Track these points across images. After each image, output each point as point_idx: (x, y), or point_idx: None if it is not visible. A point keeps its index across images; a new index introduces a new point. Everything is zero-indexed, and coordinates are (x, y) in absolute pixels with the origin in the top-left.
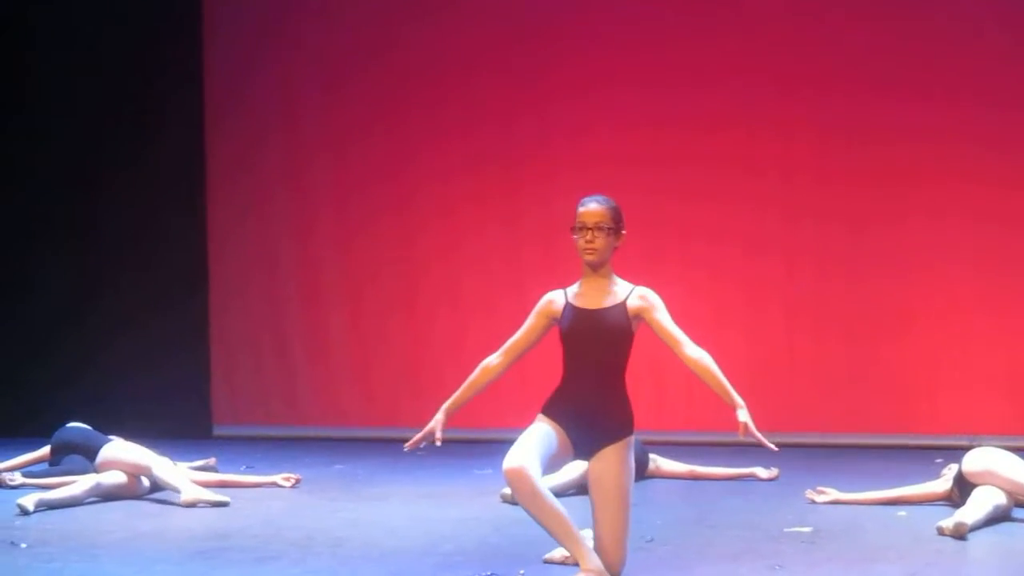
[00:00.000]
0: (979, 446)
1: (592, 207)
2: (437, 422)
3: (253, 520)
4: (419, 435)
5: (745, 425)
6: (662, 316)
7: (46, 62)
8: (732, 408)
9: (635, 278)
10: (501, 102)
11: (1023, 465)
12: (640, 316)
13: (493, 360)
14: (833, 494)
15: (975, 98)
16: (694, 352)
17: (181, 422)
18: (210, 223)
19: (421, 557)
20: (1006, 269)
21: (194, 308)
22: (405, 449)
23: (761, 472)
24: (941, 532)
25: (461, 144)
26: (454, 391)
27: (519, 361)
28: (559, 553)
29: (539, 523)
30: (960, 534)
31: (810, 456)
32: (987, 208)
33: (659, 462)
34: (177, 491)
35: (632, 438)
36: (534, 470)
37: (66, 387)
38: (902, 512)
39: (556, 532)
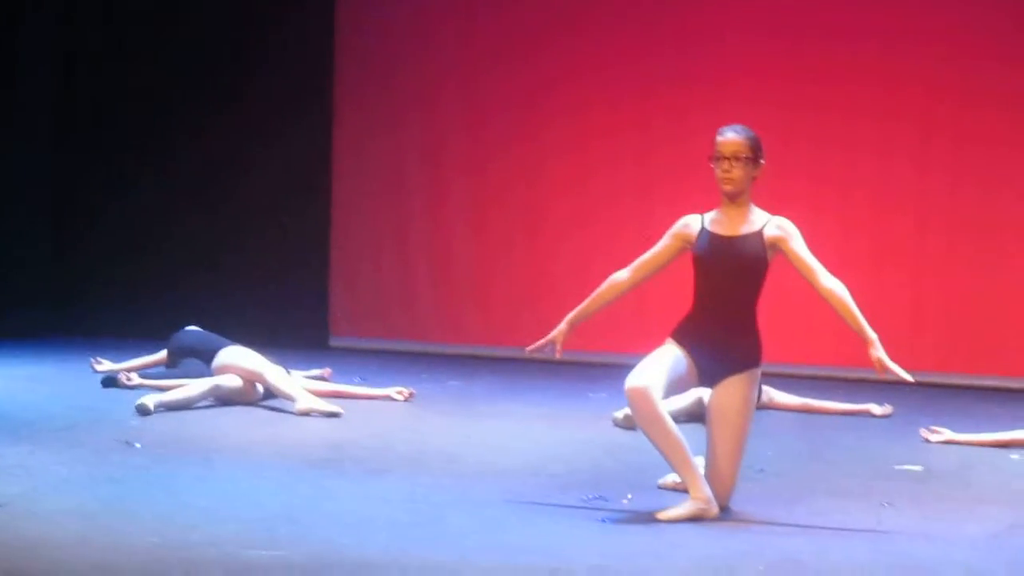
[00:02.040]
0: None
1: (730, 136)
2: (560, 332)
3: (365, 433)
4: (542, 341)
5: (879, 360)
6: (798, 246)
7: None
8: (865, 342)
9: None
10: (637, 40)
11: None
12: (777, 246)
13: (622, 275)
14: (947, 434)
15: None
16: (830, 283)
17: (298, 332)
18: (336, 137)
19: (532, 477)
20: None
21: (316, 219)
22: (527, 351)
23: (875, 409)
24: None
25: (595, 78)
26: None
27: (641, 285)
28: (671, 479)
29: (655, 445)
30: None
31: (925, 395)
32: None
33: (772, 394)
34: (292, 399)
35: (758, 371)
36: (656, 392)
37: (183, 291)
38: (1015, 455)
39: (671, 457)
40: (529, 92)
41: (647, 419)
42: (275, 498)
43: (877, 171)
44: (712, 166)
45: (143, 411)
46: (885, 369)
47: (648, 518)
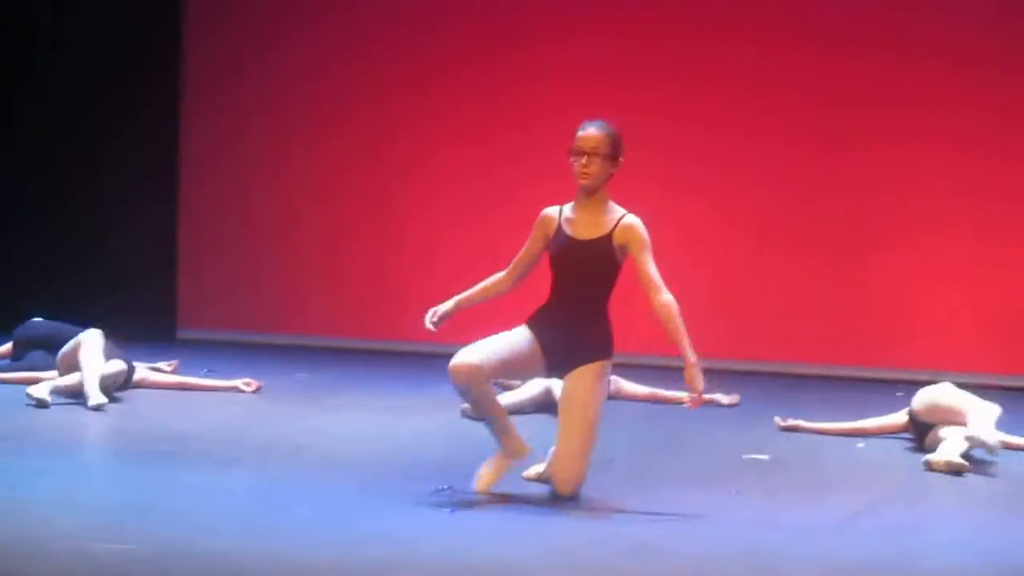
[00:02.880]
0: (938, 382)
1: (591, 132)
2: (448, 310)
3: (213, 424)
4: (429, 313)
5: (693, 383)
6: (643, 256)
7: None
8: (684, 363)
9: (616, 196)
10: (479, 20)
11: (967, 397)
12: (625, 248)
13: (501, 276)
14: (796, 423)
15: (948, 15)
16: (664, 298)
17: (145, 323)
18: (183, 126)
19: (381, 467)
20: (984, 202)
21: (162, 208)
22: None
23: (722, 398)
24: (931, 468)
25: (434, 49)
26: (425, 304)
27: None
28: (535, 470)
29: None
30: (960, 471)
31: (772, 385)
32: (962, 135)
33: (621, 384)
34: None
35: (608, 363)
36: (475, 362)
37: (27, 285)
38: (861, 444)
39: (490, 421)
40: (370, 80)
41: (470, 396)
42: (121, 491)
43: (718, 141)
44: (571, 160)
45: (41, 404)
46: (695, 393)
47: (496, 507)
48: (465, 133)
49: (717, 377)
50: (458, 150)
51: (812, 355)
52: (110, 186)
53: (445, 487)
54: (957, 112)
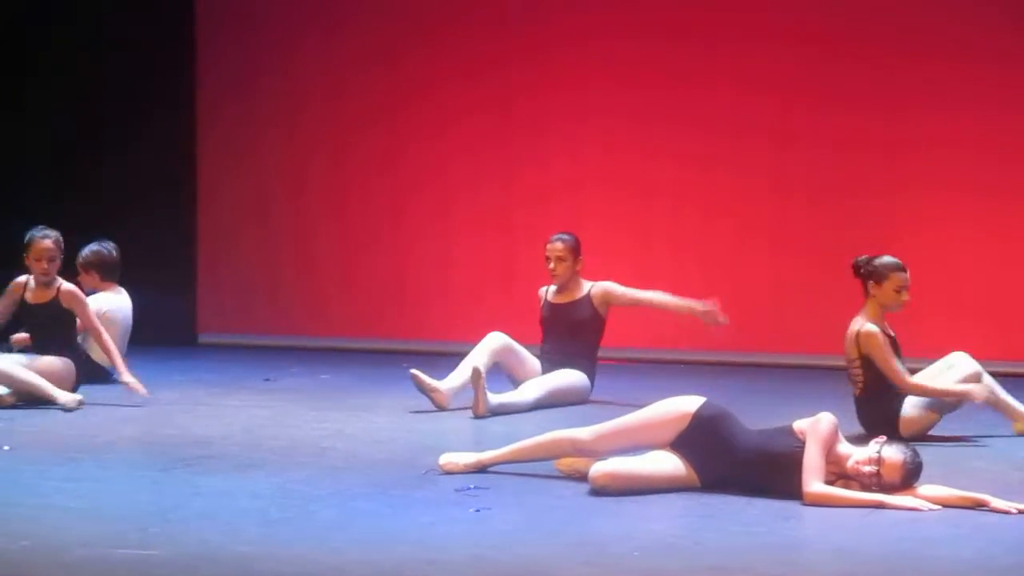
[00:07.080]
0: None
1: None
2: None
3: (235, 428)
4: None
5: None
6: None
7: None
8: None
9: (627, 206)
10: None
11: None
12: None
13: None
14: None
15: (967, 17)
16: None
17: (166, 329)
18: (200, 128)
19: (404, 468)
20: (993, 196)
21: (181, 216)
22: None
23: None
24: None
25: (449, 58)
26: (437, 306)
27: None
28: (568, 462)
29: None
30: None
31: (788, 375)
32: (975, 136)
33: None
34: None
35: None
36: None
37: None
38: None
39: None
40: (387, 77)
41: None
42: (145, 496)
43: (735, 145)
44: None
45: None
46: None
47: (520, 505)
48: (480, 140)
49: (731, 369)
50: (474, 156)
51: (824, 347)
52: (131, 195)
53: (469, 486)
54: (961, 112)
